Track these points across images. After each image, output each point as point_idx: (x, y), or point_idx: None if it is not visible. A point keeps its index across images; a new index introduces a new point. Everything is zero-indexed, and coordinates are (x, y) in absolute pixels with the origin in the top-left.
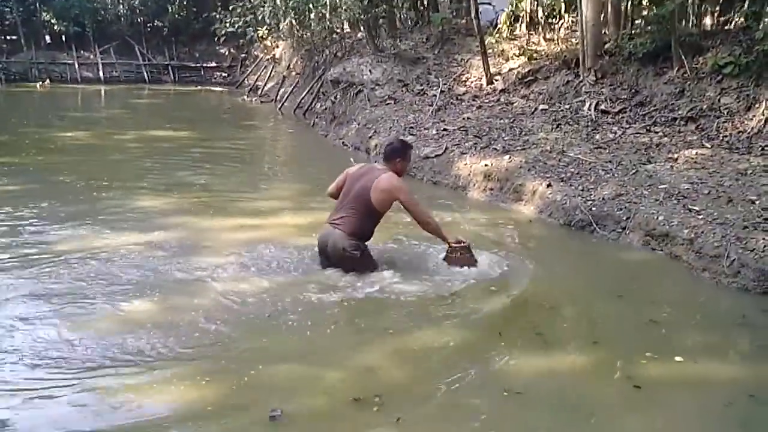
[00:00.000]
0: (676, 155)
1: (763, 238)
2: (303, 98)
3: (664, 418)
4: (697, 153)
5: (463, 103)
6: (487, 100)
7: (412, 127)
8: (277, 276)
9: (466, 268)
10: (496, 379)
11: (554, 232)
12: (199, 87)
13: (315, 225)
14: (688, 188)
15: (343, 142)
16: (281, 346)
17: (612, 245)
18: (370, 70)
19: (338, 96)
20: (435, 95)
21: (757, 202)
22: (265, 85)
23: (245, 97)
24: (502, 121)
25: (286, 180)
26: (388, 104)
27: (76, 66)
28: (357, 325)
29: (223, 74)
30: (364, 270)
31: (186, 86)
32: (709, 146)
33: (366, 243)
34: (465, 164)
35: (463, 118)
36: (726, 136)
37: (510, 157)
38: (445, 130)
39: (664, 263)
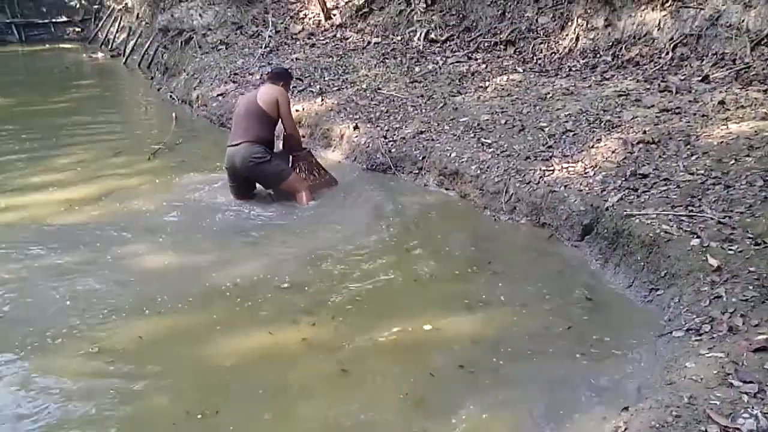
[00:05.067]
0: (487, 83)
1: (540, 168)
2: (146, 50)
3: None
4: (508, 79)
5: (297, 43)
6: (322, 38)
7: (236, 74)
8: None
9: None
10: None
11: (351, 178)
12: (48, 45)
13: (92, 198)
14: (487, 119)
15: (171, 95)
16: None
17: (409, 188)
18: (200, 15)
19: (168, 45)
20: (270, 36)
21: (546, 129)
22: (115, 38)
23: (91, 53)
24: (331, 59)
25: (82, 145)
26: (219, 50)
27: None
28: None
29: (77, 29)
30: (279, 173)
31: (35, 45)
32: (521, 70)
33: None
34: None
35: (293, 59)
36: (540, 59)
37: (323, 100)
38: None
39: (453, 204)
